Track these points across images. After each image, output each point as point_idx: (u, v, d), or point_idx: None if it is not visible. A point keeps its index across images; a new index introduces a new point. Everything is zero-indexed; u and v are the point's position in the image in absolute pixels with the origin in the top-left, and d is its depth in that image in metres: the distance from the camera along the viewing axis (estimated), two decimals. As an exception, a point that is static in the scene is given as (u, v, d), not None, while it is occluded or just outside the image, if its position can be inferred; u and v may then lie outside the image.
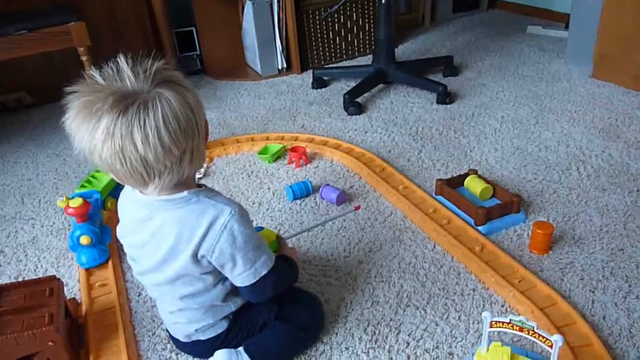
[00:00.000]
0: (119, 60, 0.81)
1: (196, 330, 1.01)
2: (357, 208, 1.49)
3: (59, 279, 1.10)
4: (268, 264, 0.94)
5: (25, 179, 1.85)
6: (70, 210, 1.28)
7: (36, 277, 1.31)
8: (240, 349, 1.00)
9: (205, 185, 0.95)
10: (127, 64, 0.81)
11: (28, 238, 1.52)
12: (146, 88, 0.80)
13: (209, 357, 1.01)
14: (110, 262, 1.33)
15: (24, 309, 1.01)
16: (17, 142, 2.14)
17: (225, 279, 0.97)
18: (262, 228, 1.18)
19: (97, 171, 1.55)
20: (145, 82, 0.80)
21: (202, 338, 1.02)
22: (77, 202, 1.29)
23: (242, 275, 0.93)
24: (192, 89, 0.84)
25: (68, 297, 1.16)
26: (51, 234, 1.52)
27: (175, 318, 1.02)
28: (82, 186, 1.49)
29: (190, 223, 0.88)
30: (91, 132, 0.79)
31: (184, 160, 0.84)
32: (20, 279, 1.34)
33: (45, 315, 0.99)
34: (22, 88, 2.42)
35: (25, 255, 1.44)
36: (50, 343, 0.97)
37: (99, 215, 1.39)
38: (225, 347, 1.01)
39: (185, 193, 0.89)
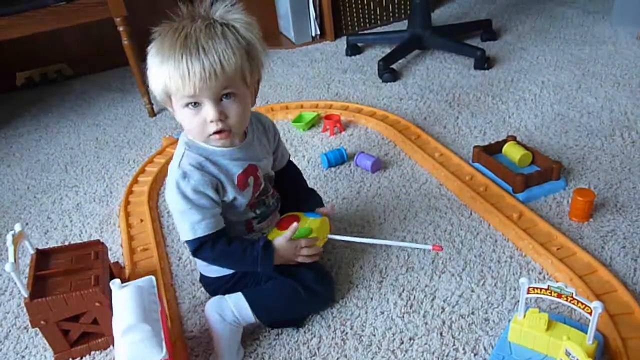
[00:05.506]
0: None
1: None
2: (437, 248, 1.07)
3: (103, 243, 1.15)
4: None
5: (67, 148, 1.91)
6: None
7: (81, 241, 1.35)
8: (227, 295, 1.03)
9: None
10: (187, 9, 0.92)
11: (72, 204, 1.57)
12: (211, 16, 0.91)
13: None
14: (150, 227, 1.37)
15: (72, 271, 1.05)
16: (59, 112, 2.20)
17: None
18: (319, 215, 1.10)
19: None
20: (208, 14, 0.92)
21: (213, 276, 1.10)
22: None
23: None
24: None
25: (112, 261, 1.20)
26: (94, 200, 1.58)
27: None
28: None
29: None
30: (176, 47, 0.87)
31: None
32: (66, 244, 1.39)
33: (91, 277, 1.03)
34: (62, 59, 2.48)
35: (71, 221, 1.50)
36: (97, 303, 1.01)
37: None
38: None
39: None
